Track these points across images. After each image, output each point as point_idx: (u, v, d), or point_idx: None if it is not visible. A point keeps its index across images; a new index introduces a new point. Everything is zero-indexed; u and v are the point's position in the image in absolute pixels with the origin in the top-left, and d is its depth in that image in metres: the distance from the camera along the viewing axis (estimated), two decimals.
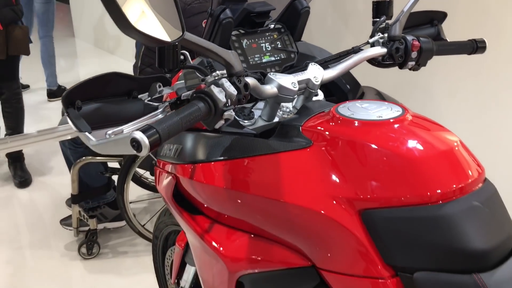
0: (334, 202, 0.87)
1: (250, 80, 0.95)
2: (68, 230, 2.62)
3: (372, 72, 1.37)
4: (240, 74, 0.93)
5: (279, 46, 1.27)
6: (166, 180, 1.18)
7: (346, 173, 0.87)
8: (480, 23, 2.34)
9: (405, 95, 1.73)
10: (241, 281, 1.05)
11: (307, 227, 0.91)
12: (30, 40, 3.22)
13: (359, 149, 0.88)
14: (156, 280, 1.90)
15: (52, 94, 4.81)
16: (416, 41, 1.21)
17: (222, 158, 1.01)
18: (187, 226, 1.12)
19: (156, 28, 0.80)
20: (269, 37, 1.26)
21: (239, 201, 1.00)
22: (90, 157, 2.39)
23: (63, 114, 2.58)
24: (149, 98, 1.04)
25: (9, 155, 3.34)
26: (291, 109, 1.14)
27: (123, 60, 5.87)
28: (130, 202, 2.41)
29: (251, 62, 1.21)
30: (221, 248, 1.03)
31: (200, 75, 1.03)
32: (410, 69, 1.26)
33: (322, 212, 0.87)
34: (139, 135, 0.75)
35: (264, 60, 1.23)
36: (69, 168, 2.48)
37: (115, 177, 2.48)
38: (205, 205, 1.10)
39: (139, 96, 1.06)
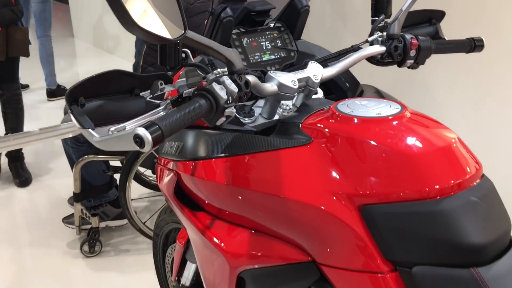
0: (334, 198, 0.88)
1: (251, 78, 0.96)
2: (70, 228, 2.64)
3: (371, 70, 1.38)
4: (241, 72, 0.94)
5: (279, 44, 1.28)
6: (167, 177, 1.19)
7: (345, 169, 0.88)
8: (477, 21, 2.35)
9: (403, 93, 1.74)
10: (242, 277, 1.06)
11: (307, 223, 0.92)
12: (29, 42, 3.21)
13: (358, 146, 0.89)
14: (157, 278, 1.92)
15: (52, 93, 4.81)
16: (415, 40, 1.22)
17: (223, 154, 1.02)
18: (188, 223, 1.13)
19: (158, 25, 0.81)
20: (269, 36, 1.27)
21: (240, 197, 1.01)
22: (92, 156, 2.40)
23: (65, 113, 2.59)
24: (151, 95, 1.05)
25: (9, 155, 3.34)
26: (291, 107, 1.15)
27: (122, 60, 5.87)
28: (132, 200, 2.42)
29: (251, 61, 1.22)
30: (222, 244, 1.05)
31: (201, 73, 1.04)
32: (408, 67, 1.27)
33: (322, 207, 0.88)
34: (142, 131, 0.76)
35: (264, 59, 1.24)
36: (71, 167, 2.49)
37: (117, 176, 2.49)
38: (206, 202, 1.11)
39: (141, 93, 1.07)
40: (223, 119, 0.91)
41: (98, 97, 1.02)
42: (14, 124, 3.29)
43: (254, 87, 0.97)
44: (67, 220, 2.67)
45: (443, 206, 0.83)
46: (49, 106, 4.71)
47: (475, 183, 0.88)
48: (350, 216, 0.86)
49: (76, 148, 2.42)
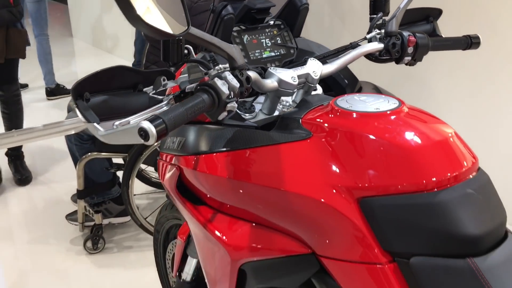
0: (334, 190, 0.89)
1: (252, 74, 0.98)
2: (73, 225, 2.66)
3: (370, 67, 1.40)
4: (242, 68, 0.96)
5: (279, 42, 1.29)
6: (170, 172, 1.20)
7: (345, 163, 0.90)
8: (474, 18, 2.38)
9: (401, 90, 1.76)
10: (243, 269, 1.07)
11: (307, 215, 0.94)
12: (28, 43, 3.19)
13: (357, 140, 0.90)
14: None
15: (51, 92, 4.82)
16: (412, 37, 1.24)
17: (224, 149, 1.04)
18: (190, 216, 1.14)
19: (162, 21, 0.82)
20: (269, 33, 1.29)
21: (241, 190, 1.02)
22: (96, 153, 2.41)
23: (69, 111, 2.61)
24: (154, 91, 1.07)
25: (8, 154, 3.35)
26: (291, 103, 1.17)
27: (121, 59, 5.88)
28: (134, 195, 2.44)
29: (252, 57, 1.24)
30: (224, 237, 1.06)
31: (203, 69, 1.06)
32: (406, 64, 1.29)
33: (322, 200, 0.90)
34: (147, 125, 0.78)
35: (264, 56, 1.26)
36: (75, 164, 2.51)
37: (119, 173, 2.50)
38: (208, 196, 1.13)
39: (144, 89, 1.09)
40: (225, 113, 0.92)
41: (103, 92, 1.04)
42: (14, 124, 3.29)
43: (255, 83, 0.99)
44: (71, 217, 2.69)
45: (440, 198, 0.84)
46: (49, 105, 4.72)
47: (471, 176, 0.89)
48: (349, 209, 0.88)
49: (79, 145, 2.44)
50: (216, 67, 0.98)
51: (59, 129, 1.88)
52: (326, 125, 0.95)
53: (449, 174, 0.86)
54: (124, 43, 5.90)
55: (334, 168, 0.90)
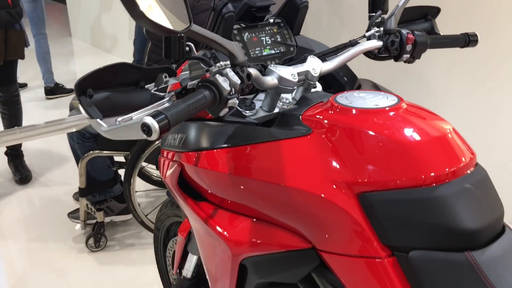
0: (334, 186, 0.90)
1: (252, 71, 0.99)
2: (75, 223, 2.68)
3: (369, 65, 1.41)
4: (243, 65, 0.97)
5: (278, 39, 1.31)
6: (171, 169, 1.21)
7: (344, 159, 0.91)
8: (472, 17, 2.39)
9: (399, 87, 1.77)
10: (244, 264, 1.08)
11: (308, 211, 0.94)
12: (27, 44, 3.20)
13: (356, 136, 0.91)
14: None
15: (50, 91, 4.83)
16: (411, 35, 1.25)
17: (225, 145, 1.05)
18: (191, 212, 1.15)
19: (165, 18, 0.83)
20: (269, 31, 1.30)
21: (242, 186, 1.03)
22: (98, 151, 2.43)
23: (71, 109, 2.62)
24: (156, 88, 1.08)
25: (8, 153, 3.36)
26: (291, 100, 1.18)
27: (120, 58, 5.88)
28: (136, 192, 2.46)
29: (252, 55, 1.25)
30: (225, 232, 1.07)
31: (204, 66, 1.07)
32: (405, 61, 1.30)
33: (322, 195, 0.90)
34: (150, 120, 0.79)
35: (264, 53, 1.27)
36: (77, 162, 2.52)
37: (121, 171, 2.52)
38: (209, 191, 1.13)
39: (146, 86, 1.10)
40: (226, 110, 0.93)
41: (105, 89, 1.05)
42: (13, 124, 3.29)
43: (256, 80, 1.00)
44: (73, 215, 2.70)
45: (438, 192, 0.85)
46: (48, 105, 4.73)
47: (469, 171, 0.90)
48: (349, 204, 0.89)
49: (81, 143, 2.45)
50: (217, 64, 0.99)
51: (61, 126, 1.89)
52: (326, 121, 0.96)
53: (447, 169, 0.87)
54: (123, 43, 5.91)
55: (334, 163, 0.91)
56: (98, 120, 0.99)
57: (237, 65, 0.96)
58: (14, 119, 3.30)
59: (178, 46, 0.97)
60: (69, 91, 4.90)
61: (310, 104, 1.04)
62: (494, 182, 0.94)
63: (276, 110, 1.15)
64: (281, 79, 1.05)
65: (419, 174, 0.86)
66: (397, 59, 1.29)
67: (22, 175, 3.27)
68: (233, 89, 0.92)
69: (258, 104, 1.16)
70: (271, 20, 1.32)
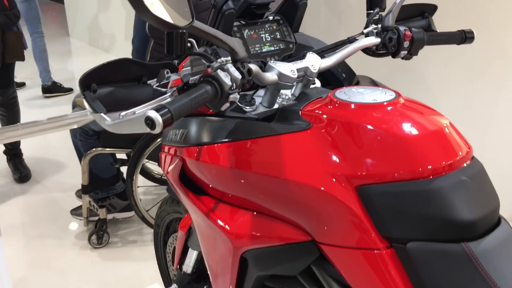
0: (333, 179, 0.91)
1: (253, 66, 1.00)
2: (78, 220, 2.69)
3: (367, 62, 1.43)
4: (244, 60, 0.99)
5: (278, 36, 1.32)
6: (172, 164, 1.22)
7: (343, 152, 0.92)
8: (467, 13, 2.42)
9: (397, 83, 1.79)
10: (244, 258, 1.10)
11: (308, 203, 0.96)
12: (25, 46, 3.17)
13: (355, 130, 0.92)
14: None
15: (47, 90, 4.83)
16: (408, 31, 1.27)
17: (226, 140, 1.06)
18: (193, 206, 1.16)
19: (168, 13, 0.85)
20: (268, 28, 1.31)
21: (243, 180, 1.04)
22: (100, 149, 2.44)
23: (73, 107, 2.63)
24: (158, 83, 1.09)
25: (7, 152, 3.35)
26: (290, 96, 1.19)
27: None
28: (138, 187, 2.48)
29: (252, 52, 1.26)
30: (226, 226, 1.08)
31: (206, 62, 1.09)
32: (402, 58, 1.31)
33: (322, 188, 0.92)
34: (153, 114, 0.80)
35: (264, 50, 1.28)
36: (80, 159, 2.53)
37: (123, 169, 2.54)
38: (210, 186, 1.15)
39: (148, 81, 1.11)
40: (227, 104, 0.95)
41: (109, 84, 1.06)
42: (11, 124, 3.30)
43: (256, 75, 1.02)
44: (75, 212, 2.72)
45: (436, 185, 0.86)
46: (46, 103, 4.73)
47: (465, 164, 0.92)
48: (348, 196, 0.90)
49: (84, 141, 2.47)
50: (219, 60, 1.01)
51: (63, 122, 1.91)
52: (325, 116, 0.97)
53: (444, 162, 0.89)
54: (120, 42, 5.92)
55: (333, 157, 0.93)
56: (102, 114, 1.00)
57: (238, 60, 0.98)
58: (12, 121, 3.28)
59: (180, 42, 0.99)
60: (66, 90, 4.90)
61: (309, 100, 1.05)
62: (490, 175, 0.96)
63: (276, 106, 1.16)
64: (280, 75, 1.06)
65: (417, 167, 0.88)
66: (394, 55, 1.30)
67: (21, 173, 3.27)
68: (234, 84, 0.94)
69: (258, 100, 1.18)
70: (271, 18, 1.34)
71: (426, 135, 0.91)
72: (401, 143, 0.89)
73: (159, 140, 2.25)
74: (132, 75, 1.10)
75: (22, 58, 3.14)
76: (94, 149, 2.43)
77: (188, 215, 1.50)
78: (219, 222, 1.10)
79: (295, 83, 1.12)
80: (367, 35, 1.30)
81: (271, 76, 1.05)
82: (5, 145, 3.35)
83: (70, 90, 4.93)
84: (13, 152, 3.34)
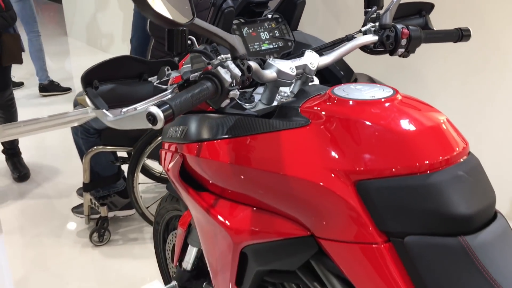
0: (332, 174, 0.92)
1: (252, 64, 1.02)
2: (79, 217, 2.70)
3: (364, 59, 1.44)
4: (244, 57, 1.00)
5: (277, 34, 1.33)
6: (173, 160, 1.23)
7: (342, 148, 0.93)
8: (465, 12, 2.43)
9: (395, 81, 1.80)
10: (244, 253, 1.11)
11: (307, 199, 0.97)
12: (23, 49, 3.15)
13: (353, 126, 0.94)
14: None
15: (44, 88, 4.83)
16: (406, 29, 1.28)
17: (226, 136, 1.07)
18: (193, 202, 1.17)
19: (169, 11, 0.86)
20: (267, 26, 1.32)
21: (243, 176, 1.05)
22: (101, 147, 2.46)
23: (75, 106, 2.64)
24: (158, 80, 1.10)
25: (5, 151, 3.35)
26: (289, 93, 1.20)
27: None
28: (139, 183, 2.49)
29: (251, 49, 1.27)
30: (226, 221, 1.09)
31: (206, 59, 1.10)
32: (400, 55, 1.32)
33: (321, 184, 0.93)
34: (155, 110, 0.81)
35: (263, 48, 1.29)
36: (81, 158, 2.54)
37: (124, 167, 2.55)
38: (210, 182, 1.16)
39: (149, 78, 1.12)
40: (227, 101, 0.96)
41: (110, 81, 1.07)
42: None
43: (255, 73, 1.03)
44: (76, 210, 2.73)
45: (433, 180, 0.87)
46: (43, 102, 4.73)
47: (462, 159, 0.93)
48: (347, 191, 0.91)
49: (85, 139, 2.47)
50: (219, 57, 1.02)
51: (65, 120, 1.92)
52: (323, 112, 0.98)
53: (441, 158, 0.90)
54: (118, 41, 5.92)
55: (331, 153, 0.94)
56: (104, 110, 1.01)
57: (238, 58, 0.99)
58: (10, 122, 3.26)
59: (181, 39, 1.00)
60: (64, 90, 4.90)
61: (308, 97, 1.06)
62: (486, 170, 0.97)
63: (275, 103, 1.17)
64: (279, 72, 1.07)
65: (414, 162, 0.89)
66: (392, 53, 1.31)
67: (20, 172, 3.27)
68: (234, 80, 0.95)
69: (257, 97, 1.19)
70: (270, 16, 1.35)
71: (423, 130, 0.92)
72: (399, 138, 0.90)
73: (160, 138, 2.27)
74: (133, 72, 1.11)
75: (20, 61, 3.10)
76: (95, 147, 2.44)
77: (188, 212, 1.51)
78: (219, 217, 1.11)
79: (294, 81, 1.13)
80: (365, 33, 1.31)
81: (270, 73, 1.06)
82: (3, 144, 3.34)
83: (67, 89, 4.93)
84: (12, 151, 3.34)
